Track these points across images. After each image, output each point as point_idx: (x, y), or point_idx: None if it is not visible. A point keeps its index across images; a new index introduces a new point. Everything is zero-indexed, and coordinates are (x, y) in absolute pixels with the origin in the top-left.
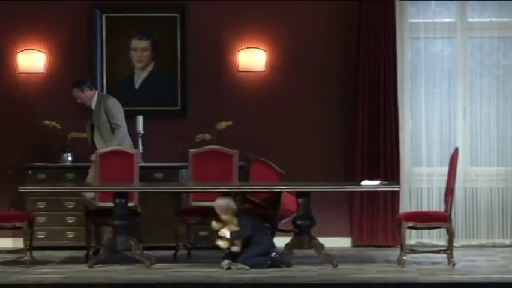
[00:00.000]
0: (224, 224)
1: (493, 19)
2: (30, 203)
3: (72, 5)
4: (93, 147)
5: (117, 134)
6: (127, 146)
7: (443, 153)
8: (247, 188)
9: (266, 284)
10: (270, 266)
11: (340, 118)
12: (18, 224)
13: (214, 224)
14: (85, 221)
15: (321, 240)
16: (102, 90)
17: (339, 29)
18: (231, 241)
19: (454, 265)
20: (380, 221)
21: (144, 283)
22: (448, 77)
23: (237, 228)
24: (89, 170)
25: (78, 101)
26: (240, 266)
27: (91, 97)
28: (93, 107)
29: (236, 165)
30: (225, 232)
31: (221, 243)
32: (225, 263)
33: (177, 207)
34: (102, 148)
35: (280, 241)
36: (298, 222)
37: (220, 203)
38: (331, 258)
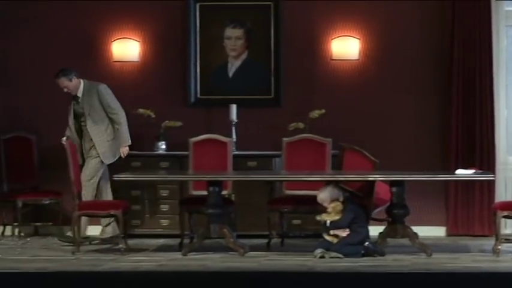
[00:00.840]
0: (329, 214)
1: None
2: (125, 191)
3: None
4: (79, 135)
5: (118, 118)
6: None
7: None
8: (340, 177)
9: (359, 273)
10: (363, 255)
11: (435, 107)
12: (113, 212)
13: (318, 217)
14: (179, 209)
15: (416, 229)
16: (195, 79)
17: (433, 17)
18: (336, 235)
19: None
20: (476, 210)
21: (238, 271)
22: None
23: (338, 217)
24: (84, 167)
25: (66, 90)
26: (334, 254)
27: (78, 86)
28: (79, 95)
29: (329, 153)
30: (325, 219)
31: (327, 237)
32: (318, 251)
33: (271, 195)
34: (95, 135)
35: (374, 230)
36: (392, 211)
37: (322, 195)
38: (425, 247)
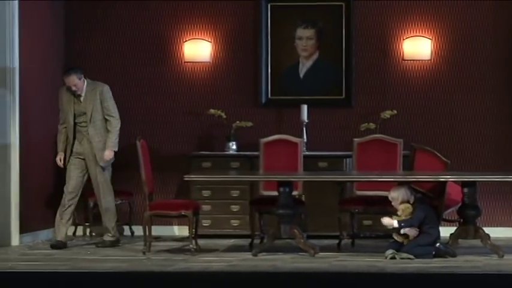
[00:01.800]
0: (399, 217)
1: None
2: (196, 191)
3: None
4: (73, 138)
5: (113, 121)
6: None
7: None
8: (411, 178)
9: (430, 274)
10: (434, 256)
11: (507, 108)
12: (183, 212)
13: (384, 220)
14: (250, 209)
15: (487, 230)
16: (267, 80)
17: (506, 17)
18: (406, 236)
19: None
20: None
21: (308, 272)
22: None
23: (407, 218)
24: (68, 172)
25: (74, 88)
26: (405, 255)
27: (83, 85)
28: (82, 94)
29: (401, 154)
30: (393, 222)
31: (397, 238)
32: (389, 252)
33: (341, 196)
34: (94, 135)
35: (445, 231)
36: (464, 212)
37: (394, 194)
38: (497, 248)
